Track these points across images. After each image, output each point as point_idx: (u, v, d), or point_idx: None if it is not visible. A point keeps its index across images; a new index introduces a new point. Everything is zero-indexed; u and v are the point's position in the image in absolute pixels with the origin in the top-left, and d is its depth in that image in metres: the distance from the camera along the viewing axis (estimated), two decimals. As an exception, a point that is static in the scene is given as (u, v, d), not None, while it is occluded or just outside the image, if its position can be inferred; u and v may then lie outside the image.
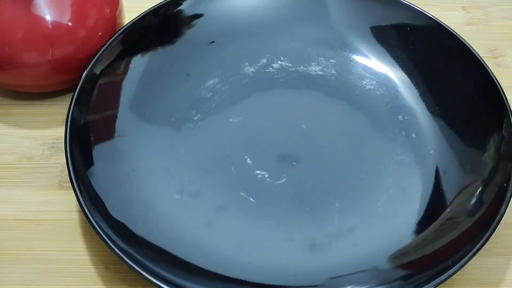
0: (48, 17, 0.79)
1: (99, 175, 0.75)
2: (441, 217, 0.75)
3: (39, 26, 0.79)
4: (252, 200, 0.77)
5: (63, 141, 0.75)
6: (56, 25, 0.80)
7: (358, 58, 0.90)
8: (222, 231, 0.75)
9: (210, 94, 0.87)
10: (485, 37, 0.97)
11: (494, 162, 0.76)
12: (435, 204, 0.77)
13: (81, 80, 0.79)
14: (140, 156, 0.80)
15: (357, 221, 0.76)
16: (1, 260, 0.74)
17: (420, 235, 0.75)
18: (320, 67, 0.90)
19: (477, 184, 0.76)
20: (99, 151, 0.77)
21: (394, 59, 0.89)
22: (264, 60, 0.90)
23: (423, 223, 0.76)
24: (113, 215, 0.72)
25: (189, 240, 0.74)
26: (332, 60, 0.90)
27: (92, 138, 0.78)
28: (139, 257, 0.69)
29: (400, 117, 0.85)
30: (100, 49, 0.82)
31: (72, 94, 0.78)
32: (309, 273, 0.72)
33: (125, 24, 0.86)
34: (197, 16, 0.89)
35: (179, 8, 0.88)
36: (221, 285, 0.70)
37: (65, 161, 0.73)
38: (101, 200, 0.73)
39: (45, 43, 0.80)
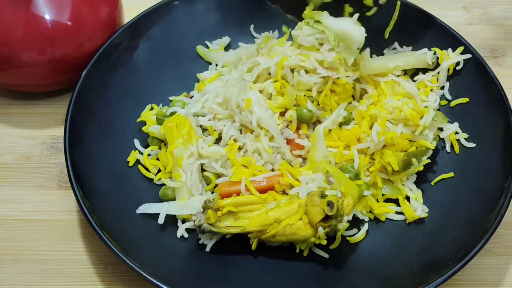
0: (47, 17, 0.79)
1: (98, 175, 0.75)
2: (441, 217, 0.75)
3: (38, 25, 0.79)
4: None
5: (62, 140, 0.75)
6: (56, 25, 0.80)
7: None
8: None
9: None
10: (486, 37, 0.97)
11: (494, 162, 0.76)
12: (436, 204, 0.77)
13: (81, 80, 0.79)
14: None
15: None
16: (0, 260, 0.74)
17: (420, 235, 0.74)
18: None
19: (477, 184, 0.76)
20: (99, 151, 0.77)
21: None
22: None
23: (424, 223, 0.76)
24: (112, 215, 0.72)
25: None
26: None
27: (91, 138, 0.77)
28: (138, 257, 0.69)
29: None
30: (100, 48, 0.82)
31: (71, 94, 0.78)
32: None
33: (124, 23, 0.86)
34: (195, 15, 0.89)
35: (177, 7, 0.88)
36: (221, 285, 0.70)
37: (64, 161, 0.73)
38: (100, 200, 0.73)
39: (45, 43, 0.80)
